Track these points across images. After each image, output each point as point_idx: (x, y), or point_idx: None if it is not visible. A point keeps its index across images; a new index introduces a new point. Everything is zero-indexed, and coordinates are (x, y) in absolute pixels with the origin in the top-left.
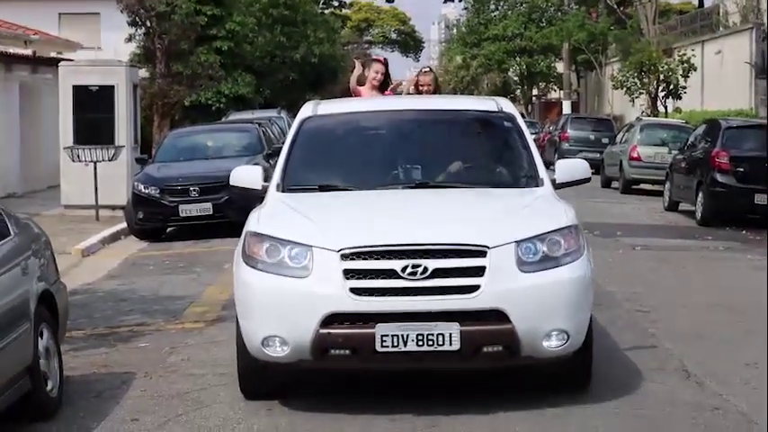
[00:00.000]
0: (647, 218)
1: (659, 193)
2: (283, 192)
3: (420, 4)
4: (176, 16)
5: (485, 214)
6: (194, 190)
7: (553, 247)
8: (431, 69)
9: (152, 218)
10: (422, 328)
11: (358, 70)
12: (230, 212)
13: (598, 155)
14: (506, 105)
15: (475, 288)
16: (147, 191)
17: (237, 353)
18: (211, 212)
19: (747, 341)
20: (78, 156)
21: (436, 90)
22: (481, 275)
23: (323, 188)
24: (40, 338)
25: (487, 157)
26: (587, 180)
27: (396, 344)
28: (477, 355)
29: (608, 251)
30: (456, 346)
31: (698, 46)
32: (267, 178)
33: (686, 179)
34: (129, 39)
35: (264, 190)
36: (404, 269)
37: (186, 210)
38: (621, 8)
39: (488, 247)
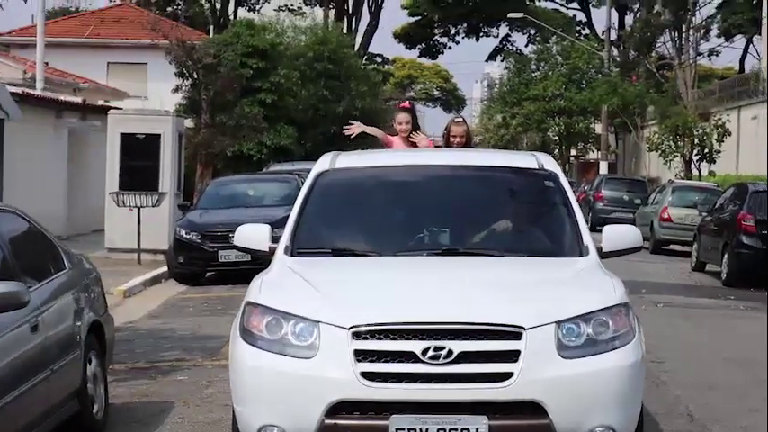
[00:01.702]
0: (673, 277)
1: (688, 254)
2: (292, 255)
3: (463, 63)
4: (223, 68)
5: (521, 289)
6: (234, 236)
7: (599, 329)
8: (463, 120)
9: (192, 262)
10: (444, 422)
11: (369, 130)
12: (268, 259)
13: (631, 215)
14: (548, 162)
15: (507, 376)
16: (188, 236)
17: None
18: (249, 258)
19: (755, 391)
20: (123, 201)
21: (468, 142)
22: (515, 361)
23: (337, 252)
24: (88, 364)
25: (525, 220)
26: (638, 249)
27: None
28: None
29: None
30: None
31: (734, 111)
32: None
33: (713, 240)
34: (176, 89)
35: (272, 252)
36: (425, 351)
37: (225, 255)
38: (661, 72)
39: (524, 328)
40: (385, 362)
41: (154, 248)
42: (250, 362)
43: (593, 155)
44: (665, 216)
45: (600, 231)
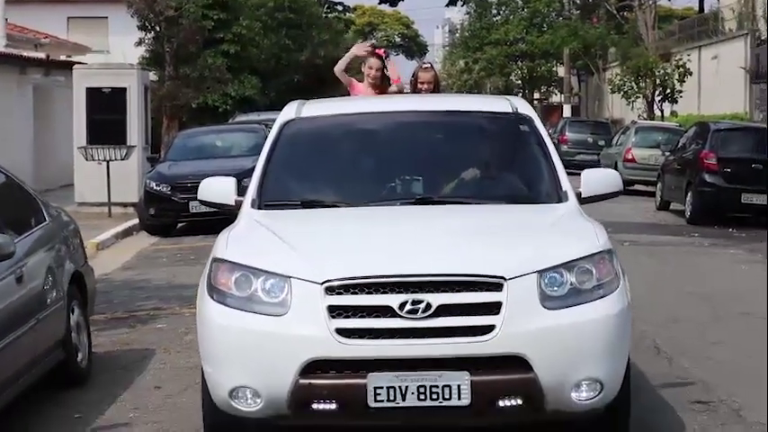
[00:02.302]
0: (638, 216)
1: (652, 194)
2: (259, 209)
3: (424, 9)
4: (184, 20)
5: (500, 238)
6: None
7: (583, 278)
8: (431, 66)
9: (163, 214)
10: (424, 379)
11: (359, 51)
12: (235, 213)
13: (595, 157)
14: (522, 105)
15: (489, 329)
16: (158, 188)
17: (203, 405)
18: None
19: (716, 324)
20: (92, 155)
21: (436, 88)
22: (496, 313)
23: (306, 204)
24: (71, 314)
25: (501, 166)
26: (619, 193)
27: (392, 397)
28: (491, 411)
29: None
30: (466, 400)
31: (695, 51)
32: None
33: (677, 179)
34: (139, 42)
35: (238, 206)
36: (402, 306)
37: (196, 206)
38: (622, 13)
39: (505, 279)
40: (360, 317)
41: (123, 201)
42: (219, 320)
43: (556, 98)
44: (629, 157)
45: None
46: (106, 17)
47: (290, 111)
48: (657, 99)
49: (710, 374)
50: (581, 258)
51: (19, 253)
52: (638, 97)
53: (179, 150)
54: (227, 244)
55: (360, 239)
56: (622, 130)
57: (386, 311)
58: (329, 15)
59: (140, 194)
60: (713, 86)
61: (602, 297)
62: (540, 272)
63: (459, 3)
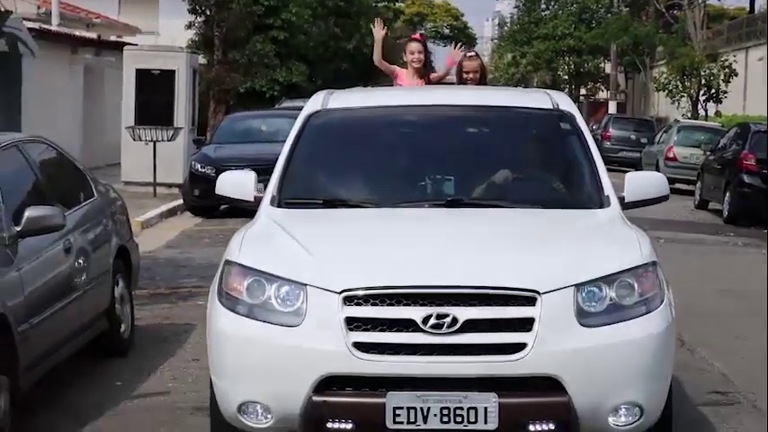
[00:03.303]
0: (676, 215)
1: (692, 193)
2: (279, 206)
3: (474, 1)
4: (235, 5)
5: (534, 246)
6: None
7: (624, 293)
8: (476, 54)
9: (207, 195)
10: (448, 400)
11: (378, 34)
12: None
13: (638, 154)
14: (563, 101)
15: (520, 347)
16: (203, 170)
17: (211, 418)
18: (263, 191)
19: (743, 320)
20: (139, 135)
21: (482, 78)
22: (529, 330)
23: (328, 203)
24: (116, 286)
25: (539, 167)
26: (665, 198)
27: (413, 419)
28: None
29: None
30: (493, 424)
31: (742, 52)
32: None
33: (716, 179)
34: (189, 26)
35: (258, 202)
36: (426, 320)
37: None
38: (671, 12)
39: (539, 293)
40: (381, 331)
41: (168, 182)
42: (229, 329)
43: (602, 94)
44: (671, 155)
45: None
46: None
47: (317, 101)
48: (702, 99)
49: (731, 367)
50: (623, 271)
51: (68, 225)
52: (682, 96)
53: (225, 133)
54: (241, 246)
55: (383, 245)
56: (665, 129)
57: (408, 325)
58: (378, 4)
59: (185, 176)
60: (759, 88)
61: (644, 314)
62: (578, 285)
63: None
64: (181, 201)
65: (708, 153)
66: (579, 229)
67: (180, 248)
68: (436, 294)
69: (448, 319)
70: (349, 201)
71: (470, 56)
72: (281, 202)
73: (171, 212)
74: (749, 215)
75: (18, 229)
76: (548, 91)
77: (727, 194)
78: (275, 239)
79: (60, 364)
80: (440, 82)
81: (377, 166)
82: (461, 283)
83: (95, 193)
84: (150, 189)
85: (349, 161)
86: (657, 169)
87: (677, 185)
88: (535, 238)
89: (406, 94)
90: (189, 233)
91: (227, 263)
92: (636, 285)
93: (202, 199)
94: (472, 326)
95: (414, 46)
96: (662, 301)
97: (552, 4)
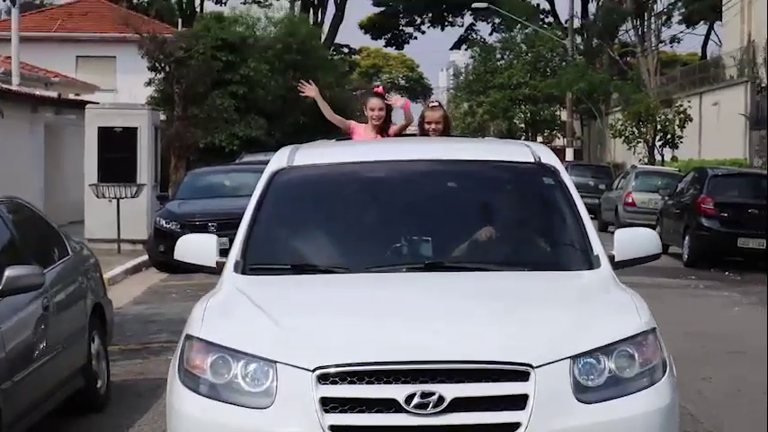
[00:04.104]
0: None
1: None
2: (243, 273)
3: (429, 52)
4: (194, 61)
5: (525, 315)
6: (212, 225)
7: (624, 364)
8: (439, 104)
9: (173, 251)
10: None
11: (311, 93)
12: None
13: (596, 200)
14: (545, 154)
15: (513, 427)
16: (168, 226)
17: None
18: (228, 246)
19: (707, 360)
20: (103, 193)
21: (446, 129)
22: (522, 408)
23: (297, 269)
24: (92, 343)
25: (522, 226)
26: (657, 257)
27: None
28: None
29: None
30: None
31: (696, 97)
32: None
33: (675, 223)
34: (149, 83)
35: (220, 268)
36: (409, 399)
37: None
38: (624, 59)
39: (532, 367)
40: (360, 412)
41: (133, 239)
42: (191, 411)
43: (559, 141)
44: (629, 200)
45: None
46: (114, 57)
47: (282, 158)
48: (658, 144)
49: (698, 407)
50: (622, 340)
51: (45, 284)
52: (639, 142)
53: (188, 189)
54: (203, 318)
55: (359, 316)
56: (623, 175)
57: (390, 405)
58: (335, 58)
59: (150, 232)
60: (714, 132)
61: (647, 387)
62: (574, 357)
63: (464, 47)
64: (146, 257)
65: (666, 198)
66: (571, 293)
67: (147, 304)
68: (420, 371)
69: (434, 398)
70: (319, 266)
71: (433, 106)
72: (245, 267)
73: (136, 269)
74: (709, 258)
75: None
76: (527, 143)
77: (687, 238)
78: (240, 311)
79: (38, 421)
80: (400, 134)
81: (348, 228)
82: (447, 358)
83: (70, 251)
84: (114, 246)
85: (318, 222)
86: (617, 215)
87: None
88: (525, 305)
89: (377, 148)
90: (155, 289)
91: (188, 338)
92: (636, 355)
93: (168, 255)
94: (460, 405)
95: (375, 102)
96: (665, 371)
97: (507, 53)
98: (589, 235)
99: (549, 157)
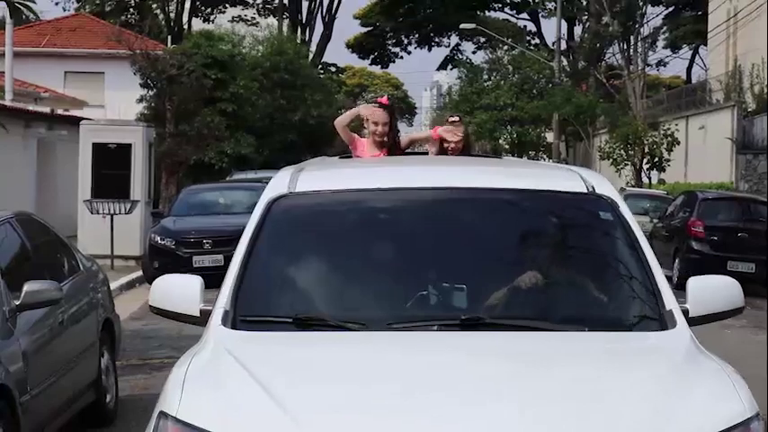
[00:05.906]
0: None
1: None
2: (233, 327)
3: (415, 72)
4: (185, 79)
5: (597, 403)
6: (207, 242)
7: None
8: (460, 119)
9: (167, 267)
10: None
11: (353, 113)
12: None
13: None
14: (599, 183)
15: None
16: (163, 242)
17: None
18: (223, 263)
19: None
20: (97, 209)
21: (466, 148)
22: None
23: (301, 323)
24: (102, 358)
25: (576, 272)
26: (739, 311)
27: None
28: None
29: None
30: None
31: (682, 121)
32: None
33: (665, 246)
34: (140, 99)
35: (205, 318)
36: None
37: (199, 261)
38: (611, 82)
39: None
40: None
41: (126, 254)
42: None
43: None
44: None
45: None
46: (103, 72)
47: (282, 182)
48: (645, 167)
49: None
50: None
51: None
52: (626, 164)
53: (183, 206)
54: (182, 391)
55: (384, 396)
56: None
57: None
58: (322, 76)
59: (144, 248)
60: (700, 156)
61: None
62: None
63: (449, 67)
64: (139, 273)
65: (655, 220)
66: (648, 366)
67: (144, 320)
68: None
69: None
70: (328, 320)
71: (453, 120)
72: (236, 320)
73: (130, 285)
74: None
75: (17, 302)
76: (576, 168)
77: (677, 261)
78: (230, 381)
79: None
80: (406, 150)
81: (364, 272)
82: None
83: (81, 267)
84: (108, 262)
85: (326, 263)
86: None
87: None
88: (595, 385)
89: (398, 171)
90: None
91: (162, 416)
92: None
93: (163, 271)
94: None
95: (379, 115)
96: None
97: (494, 74)
98: (659, 285)
99: (604, 187)
